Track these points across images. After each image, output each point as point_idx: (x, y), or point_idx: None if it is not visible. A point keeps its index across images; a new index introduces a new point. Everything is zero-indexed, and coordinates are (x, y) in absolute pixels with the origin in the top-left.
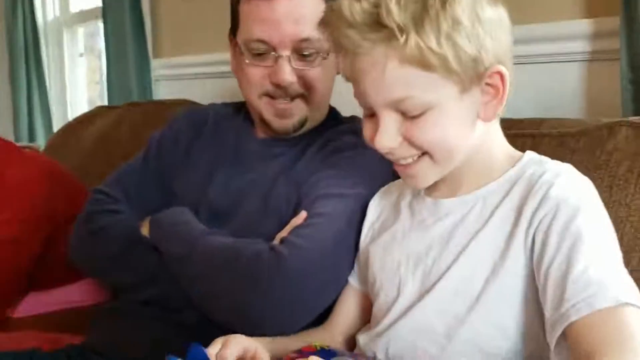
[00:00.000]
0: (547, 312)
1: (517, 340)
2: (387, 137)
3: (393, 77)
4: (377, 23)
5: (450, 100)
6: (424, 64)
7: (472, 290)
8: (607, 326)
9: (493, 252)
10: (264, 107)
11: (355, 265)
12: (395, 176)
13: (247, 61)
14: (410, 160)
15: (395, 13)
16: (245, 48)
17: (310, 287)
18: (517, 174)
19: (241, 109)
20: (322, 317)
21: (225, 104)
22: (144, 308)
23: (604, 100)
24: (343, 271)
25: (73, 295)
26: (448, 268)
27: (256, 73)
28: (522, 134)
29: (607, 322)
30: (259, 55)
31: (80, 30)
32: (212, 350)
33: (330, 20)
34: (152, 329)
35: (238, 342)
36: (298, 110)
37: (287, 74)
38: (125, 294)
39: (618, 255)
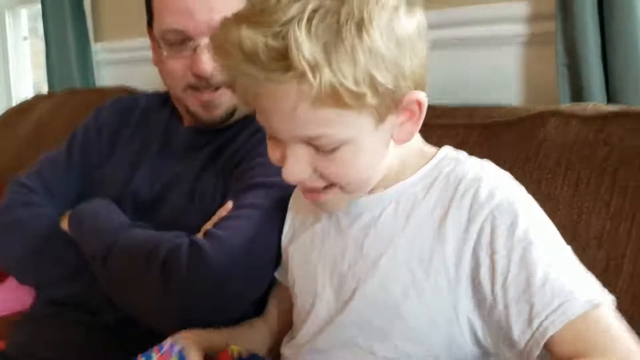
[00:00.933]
0: (516, 331)
1: (444, 356)
2: (297, 169)
3: (304, 117)
4: (283, 59)
5: (365, 134)
6: (338, 103)
7: (391, 301)
8: (589, 332)
9: (412, 261)
10: (189, 100)
11: (282, 261)
12: None
13: (165, 53)
14: (319, 188)
15: (306, 48)
16: (162, 40)
17: (232, 282)
18: (432, 172)
19: (170, 99)
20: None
21: (156, 94)
22: (62, 310)
23: (540, 84)
24: (269, 265)
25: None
26: (365, 275)
27: (176, 66)
28: (454, 124)
29: (588, 327)
30: (176, 45)
31: (23, 12)
32: None
33: (227, 50)
34: (70, 333)
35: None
36: (224, 100)
37: (207, 63)
38: (43, 292)
39: (568, 248)
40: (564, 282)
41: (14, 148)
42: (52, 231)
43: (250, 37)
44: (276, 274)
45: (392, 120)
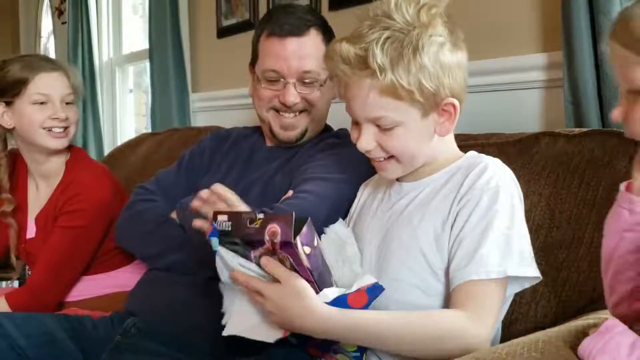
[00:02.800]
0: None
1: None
2: (366, 142)
3: (373, 102)
4: (364, 62)
5: (413, 121)
6: (395, 95)
7: (417, 243)
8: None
9: (436, 221)
10: (272, 119)
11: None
12: (368, 167)
13: (263, 85)
14: (381, 159)
15: (379, 57)
16: (262, 75)
17: None
18: (458, 165)
19: (258, 129)
20: None
21: (246, 127)
22: (167, 274)
23: (552, 118)
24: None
25: (118, 280)
26: (401, 228)
27: (268, 94)
28: (475, 144)
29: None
30: (272, 81)
31: (130, 69)
32: None
33: (331, 55)
34: (172, 290)
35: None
36: (301, 123)
37: (293, 96)
38: (152, 261)
39: (520, 233)
40: (489, 252)
41: (125, 174)
42: (162, 218)
43: (346, 48)
44: None
45: (434, 117)
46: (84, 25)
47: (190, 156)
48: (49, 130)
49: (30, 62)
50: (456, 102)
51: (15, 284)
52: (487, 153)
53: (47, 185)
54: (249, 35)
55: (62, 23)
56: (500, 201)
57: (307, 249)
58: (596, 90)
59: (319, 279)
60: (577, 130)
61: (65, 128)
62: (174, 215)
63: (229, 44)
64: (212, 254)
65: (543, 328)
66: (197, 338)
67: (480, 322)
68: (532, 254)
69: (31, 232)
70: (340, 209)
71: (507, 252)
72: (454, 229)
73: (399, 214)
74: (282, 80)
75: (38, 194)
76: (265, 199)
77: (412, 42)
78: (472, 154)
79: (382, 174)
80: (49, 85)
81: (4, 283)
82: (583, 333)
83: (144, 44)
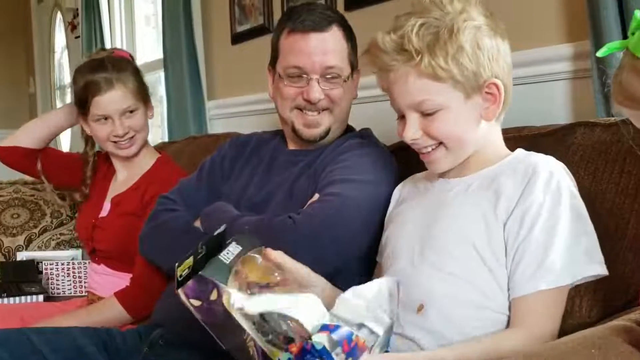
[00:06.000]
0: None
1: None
2: (411, 131)
3: (413, 86)
4: (401, 48)
5: (457, 103)
6: (435, 77)
7: (463, 234)
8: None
9: (488, 210)
10: (295, 119)
11: (381, 244)
12: (395, 168)
13: (285, 83)
14: (429, 149)
15: (414, 41)
16: (284, 73)
17: (319, 243)
18: (508, 163)
19: (278, 133)
20: None
21: (265, 132)
22: None
23: (583, 110)
24: (353, 235)
25: None
26: (450, 217)
27: (291, 91)
28: (506, 137)
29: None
30: (294, 77)
31: (145, 79)
32: None
33: (370, 48)
34: None
35: None
36: (324, 121)
37: (317, 92)
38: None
39: (586, 232)
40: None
41: None
42: (187, 227)
43: (382, 37)
44: (378, 258)
45: (478, 100)
46: (97, 38)
47: (211, 164)
48: (115, 142)
49: (90, 82)
50: (499, 82)
51: (40, 298)
52: (520, 146)
53: (129, 174)
54: (264, 40)
55: (76, 37)
56: (564, 202)
57: (196, 302)
58: None
59: (219, 334)
60: (612, 119)
61: (132, 137)
62: (197, 224)
63: (244, 49)
64: None
65: (590, 324)
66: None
67: (549, 334)
68: (599, 249)
69: (105, 211)
70: (372, 211)
71: (575, 254)
72: (518, 235)
73: (446, 206)
74: (305, 76)
75: (119, 180)
76: (290, 203)
77: (447, 25)
78: (520, 152)
79: (431, 167)
80: (105, 106)
81: (29, 298)
82: None
83: (157, 54)
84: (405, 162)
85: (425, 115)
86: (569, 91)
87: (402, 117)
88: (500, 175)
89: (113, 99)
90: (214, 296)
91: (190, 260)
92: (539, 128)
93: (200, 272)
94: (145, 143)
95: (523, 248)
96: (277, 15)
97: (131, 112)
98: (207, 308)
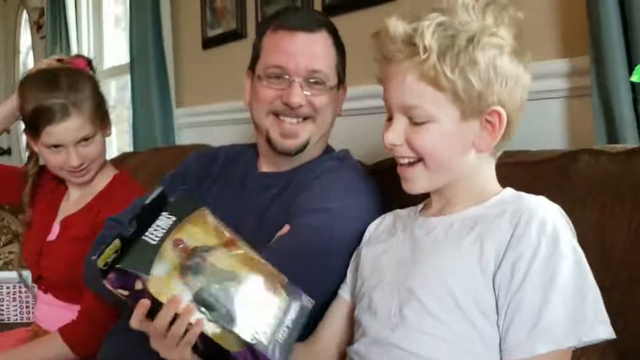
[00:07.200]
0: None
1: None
2: (393, 134)
3: (410, 87)
4: (409, 40)
5: (450, 120)
6: (436, 84)
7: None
8: None
9: (472, 260)
10: (270, 126)
11: (348, 277)
12: (374, 195)
13: (264, 83)
14: (406, 161)
15: (427, 37)
16: (264, 72)
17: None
18: (496, 203)
19: (250, 148)
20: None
21: (234, 145)
22: None
23: (580, 132)
24: (324, 271)
25: None
26: (428, 266)
27: (270, 93)
28: (499, 163)
29: None
30: (275, 78)
31: (113, 84)
32: None
33: (380, 32)
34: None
35: None
36: (304, 132)
37: (298, 95)
38: (127, 308)
39: (590, 288)
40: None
41: None
42: None
43: (394, 23)
44: (341, 292)
45: (475, 126)
46: (62, 39)
47: (172, 181)
48: (69, 171)
49: (42, 108)
50: (503, 112)
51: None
52: (515, 173)
53: (81, 193)
54: (237, 45)
55: (41, 38)
56: (562, 247)
57: (124, 292)
58: (631, 99)
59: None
60: (619, 146)
61: (87, 166)
62: None
63: (215, 55)
64: None
65: None
66: None
67: None
68: (603, 306)
69: (53, 234)
70: (347, 242)
71: (577, 311)
72: (510, 286)
73: (423, 254)
74: (286, 77)
75: (70, 201)
76: (259, 232)
77: (469, 34)
78: (509, 191)
79: (405, 185)
80: (58, 137)
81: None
82: None
83: (127, 58)
84: (388, 185)
85: (413, 123)
86: (564, 110)
87: (390, 119)
88: (485, 217)
89: (68, 129)
90: (139, 286)
91: (114, 246)
92: (536, 154)
93: (118, 265)
94: (102, 165)
95: (516, 302)
96: (250, 20)
97: (87, 140)
98: (137, 297)
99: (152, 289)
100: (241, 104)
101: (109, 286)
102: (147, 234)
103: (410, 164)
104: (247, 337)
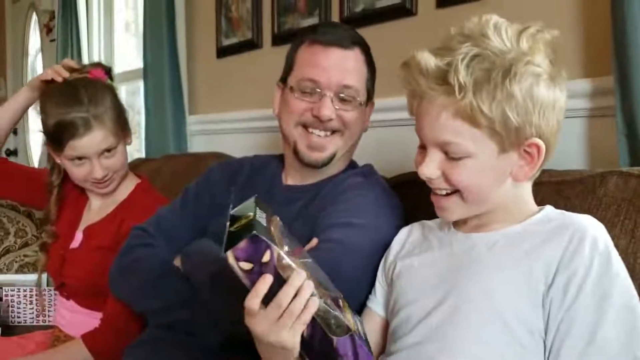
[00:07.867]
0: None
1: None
2: (429, 168)
3: (445, 124)
4: (443, 78)
5: (488, 155)
6: (472, 120)
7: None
8: None
9: (518, 276)
10: (298, 137)
11: (378, 291)
12: (399, 212)
13: (295, 95)
14: (443, 192)
15: (462, 74)
16: (297, 85)
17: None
18: (538, 221)
19: (273, 159)
20: None
21: (257, 156)
22: (170, 333)
23: (603, 152)
24: (349, 285)
25: None
26: (471, 297)
27: (300, 105)
28: None
29: None
30: (307, 93)
31: (123, 89)
32: None
33: (410, 64)
34: (177, 353)
35: None
36: (331, 145)
37: (328, 109)
38: (153, 317)
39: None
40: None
41: None
42: (164, 268)
43: (427, 58)
44: (371, 305)
45: (513, 157)
46: (73, 42)
47: (197, 192)
48: (93, 182)
49: (65, 123)
50: (542, 144)
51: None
52: (543, 193)
53: (103, 202)
54: (251, 55)
55: (51, 40)
56: (614, 266)
57: (247, 265)
58: None
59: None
60: None
61: (111, 176)
62: (177, 262)
63: (230, 64)
64: (224, 310)
65: None
66: None
67: None
68: None
69: (76, 242)
70: (372, 258)
71: (631, 328)
72: (562, 304)
73: (467, 270)
74: (318, 91)
75: (92, 210)
76: None
77: (505, 66)
78: (551, 209)
79: (440, 214)
80: (82, 150)
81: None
82: None
83: (137, 63)
84: (411, 198)
85: (450, 158)
86: (587, 130)
87: (423, 147)
88: (529, 235)
89: (91, 142)
90: (266, 258)
91: (248, 217)
92: (562, 174)
93: (254, 232)
94: (125, 175)
95: (569, 320)
96: (266, 31)
97: (110, 151)
98: (258, 272)
99: (279, 262)
100: (254, 113)
101: (231, 259)
102: (258, 217)
103: (447, 195)
104: (350, 324)
